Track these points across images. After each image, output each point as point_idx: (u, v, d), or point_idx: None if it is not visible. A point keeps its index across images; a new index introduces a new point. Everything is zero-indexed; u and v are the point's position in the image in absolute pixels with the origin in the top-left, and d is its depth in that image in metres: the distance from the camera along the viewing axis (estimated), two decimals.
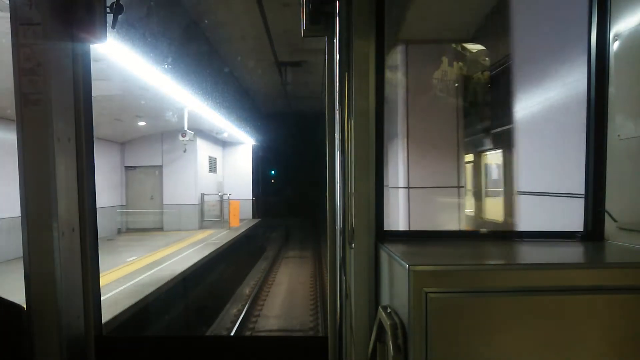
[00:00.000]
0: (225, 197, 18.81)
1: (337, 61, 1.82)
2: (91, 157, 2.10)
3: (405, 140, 5.12)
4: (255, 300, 11.35)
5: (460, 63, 5.37)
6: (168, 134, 16.87)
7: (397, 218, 5.28)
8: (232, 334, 8.78)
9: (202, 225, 18.21)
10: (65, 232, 1.87)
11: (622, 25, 1.68)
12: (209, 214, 18.73)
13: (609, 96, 1.75)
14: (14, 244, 15.91)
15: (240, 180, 22.72)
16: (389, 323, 1.41)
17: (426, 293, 1.28)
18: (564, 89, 2.60)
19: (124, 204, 17.36)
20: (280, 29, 11.70)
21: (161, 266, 10.10)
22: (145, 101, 12.33)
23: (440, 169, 5.18)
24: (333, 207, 1.97)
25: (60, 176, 1.83)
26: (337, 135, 1.90)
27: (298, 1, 1.89)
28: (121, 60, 8.70)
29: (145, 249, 12.45)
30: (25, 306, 1.82)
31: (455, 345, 1.28)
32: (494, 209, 8.54)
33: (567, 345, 1.29)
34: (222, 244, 13.59)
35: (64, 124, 1.88)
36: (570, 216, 2.17)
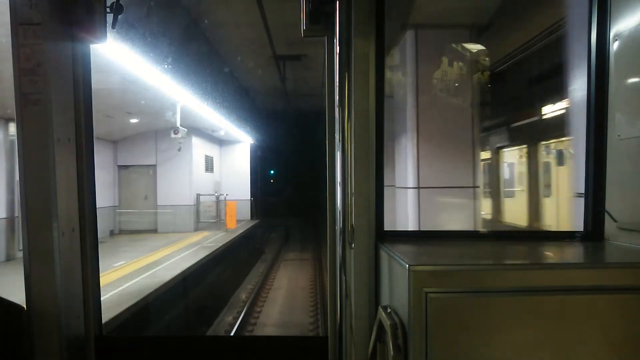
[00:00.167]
0: (221, 198, 17.92)
1: (337, 61, 1.82)
2: (91, 157, 2.10)
3: (415, 136, 4.66)
4: (252, 307, 10.67)
5: (476, 50, 4.83)
6: (162, 132, 15.94)
7: (406, 221, 4.86)
8: (231, 334, 8.74)
9: (198, 226, 17.53)
10: (65, 232, 1.87)
11: (622, 25, 1.68)
12: (205, 215, 17.98)
13: (609, 96, 1.75)
14: None
15: (238, 180, 21.97)
16: (389, 323, 1.41)
17: (426, 293, 1.28)
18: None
19: (117, 204, 16.64)
20: (279, 21, 11.06)
21: (150, 272, 9.36)
22: (137, 97, 11.74)
23: (453, 168, 4.70)
24: (333, 207, 1.97)
25: (60, 176, 1.83)
26: (337, 135, 1.90)
27: (298, 1, 1.89)
28: (107, 50, 7.50)
29: (135, 253, 11.79)
30: (25, 306, 1.82)
31: (455, 345, 1.28)
32: (521, 213, 7.74)
33: (567, 345, 1.29)
34: (217, 247, 12.94)
35: (64, 124, 1.88)
36: None
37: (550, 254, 1.70)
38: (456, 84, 4.69)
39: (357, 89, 1.78)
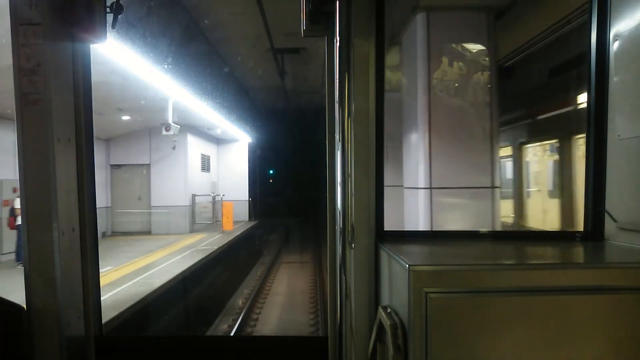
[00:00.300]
0: (218, 198, 17.18)
1: (337, 61, 1.82)
2: (91, 157, 2.10)
3: (427, 132, 4.18)
4: (249, 313, 10.07)
5: (495, 35, 4.30)
6: (156, 129, 14.76)
7: (417, 224, 4.41)
8: (231, 334, 8.71)
9: (193, 228, 16.78)
10: (65, 232, 1.87)
11: (622, 25, 1.68)
12: (201, 216, 17.22)
13: (609, 96, 1.75)
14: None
15: (236, 180, 21.25)
16: (389, 323, 1.41)
17: (426, 293, 1.28)
18: None
19: (109, 205, 15.95)
20: (277, 10, 10.27)
21: (138, 279, 8.74)
22: (128, 92, 10.93)
23: (469, 167, 4.19)
24: (333, 207, 1.97)
25: (60, 176, 1.83)
26: (337, 135, 1.90)
27: (298, 1, 1.89)
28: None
29: (125, 257, 11.20)
30: (25, 306, 1.82)
31: (455, 345, 1.28)
32: (552, 215, 6.93)
33: (567, 345, 1.29)
34: (212, 250, 12.27)
35: (64, 124, 1.88)
36: None
37: (550, 254, 1.70)
38: (473, 73, 4.21)
39: (357, 89, 1.78)
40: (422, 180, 4.23)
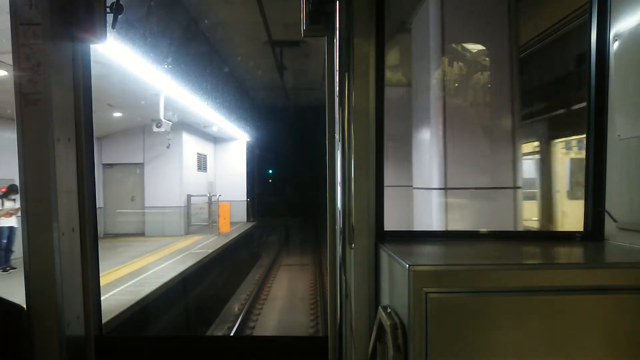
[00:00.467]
0: (214, 199, 16.49)
1: (337, 61, 1.82)
2: (91, 157, 2.11)
3: (441, 128, 3.80)
4: (245, 321, 9.54)
5: (519, 16, 3.86)
6: (150, 127, 13.73)
7: (430, 227, 4.05)
8: (231, 334, 8.67)
9: (189, 230, 16.17)
10: (65, 232, 1.87)
11: (622, 25, 1.68)
12: (197, 217, 16.52)
13: (609, 96, 1.75)
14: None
15: (234, 179, 20.59)
16: (389, 323, 1.41)
17: (426, 293, 1.28)
18: None
19: (102, 206, 15.24)
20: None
21: (125, 285, 8.13)
22: (119, 87, 10.19)
23: (488, 165, 3.79)
24: (333, 207, 1.98)
25: (60, 176, 1.83)
26: (337, 135, 1.90)
27: (298, 1, 1.89)
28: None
29: (115, 261, 10.60)
30: (25, 306, 1.82)
31: (455, 345, 1.28)
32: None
33: (567, 345, 1.29)
34: (207, 253, 11.65)
35: (64, 124, 1.88)
36: None
37: (550, 254, 1.70)
38: (493, 61, 3.79)
39: (357, 89, 1.78)
40: (435, 180, 3.86)
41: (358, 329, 1.79)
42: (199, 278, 10.66)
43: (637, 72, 1.62)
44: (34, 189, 1.79)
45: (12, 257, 9.87)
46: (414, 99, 4.52)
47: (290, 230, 23.90)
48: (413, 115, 4.57)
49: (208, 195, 17.08)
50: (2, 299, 1.83)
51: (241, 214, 20.29)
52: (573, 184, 6.70)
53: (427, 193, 4.01)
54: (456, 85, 3.81)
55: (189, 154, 16.93)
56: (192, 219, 16.51)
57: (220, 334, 9.05)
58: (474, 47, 3.81)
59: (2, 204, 9.66)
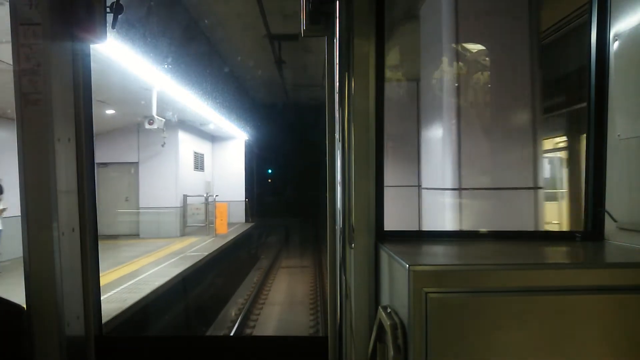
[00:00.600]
0: (211, 199, 15.93)
1: (337, 61, 1.82)
2: (91, 157, 2.10)
3: (455, 124, 3.52)
4: (242, 327, 9.15)
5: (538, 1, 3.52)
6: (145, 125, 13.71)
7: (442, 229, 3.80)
8: (231, 334, 8.64)
9: (185, 231, 15.60)
10: (65, 232, 1.87)
11: (622, 25, 1.68)
12: (193, 218, 15.91)
13: (609, 96, 1.75)
14: None
15: (233, 179, 20.09)
16: (389, 323, 1.41)
17: (426, 293, 1.28)
18: None
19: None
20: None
21: (113, 292, 7.59)
22: (111, 81, 9.59)
23: (506, 164, 3.49)
24: (333, 207, 1.98)
25: (60, 176, 1.83)
26: (337, 135, 1.90)
27: (298, 1, 1.89)
28: None
29: (104, 265, 9.90)
30: (25, 306, 1.82)
31: (455, 345, 1.28)
32: None
33: (567, 345, 1.29)
34: (202, 256, 11.09)
35: (64, 124, 1.89)
36: None
37: (550, 254, 1.70)
38: (512, 48, 3.46)
39: (357, 89, 1.79)
40: (448, 180, 3.59)
41: (358, 329, 1.79)
42: (192, 284, 10.11)
43: (637, 72, 1.62)
44: (34, 189, 1.79)
45: None
46: (423, 94, 4.23)
47: (290, 231, 23.53)
48: (421, 112, 4.31)
49: (205, 195, 16.58)
50: (2, 299, 1.83)
51: (240, 214, 19.90)
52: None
53: (439, 194, 3.76)
54: (471, 77, 3.48)
55: (185, 152, 16.47)
56: (189, 220, 15.96)
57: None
58: (491, 34, 3.46)
59: None
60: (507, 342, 1.29)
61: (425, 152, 4.20)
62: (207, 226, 15.67)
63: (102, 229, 14.79)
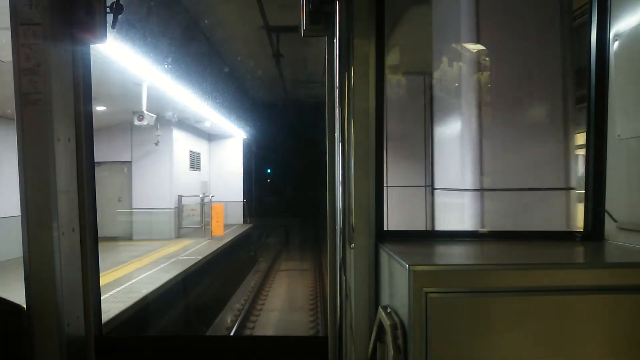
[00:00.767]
0: (207, 200, 15.40)
1: (337, 61, 1.82)
2: (91, 157, 2.11)
3: (475, 120, 3.17)
4: (239, 333, 8.69)
5: None
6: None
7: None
8: (231, 334, 8.63)
9: (180, 233, 15.04)
10: (65, 232, 1.87)
11: (622, 25, 1.68)
12: (188, 219, 15.33)
13: (609, 96, 1.75)
14: None
15: (230, 179, 19.45)
16: (389, 323, 1.41)
17: (426, 293, 1.28)
18: None
19: None
20: None
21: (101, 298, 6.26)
22: (103, 77, 9.00)
23: (533, 162, 3.13)
24: (333, 207, 1.98)
25: (60, 176, 1.83)
26: (337, 135, 1.90)
27: (298, 1, 1.89)
28: None
29: None
30: (25, 306, 1.82)
31: (455, 345, 1.28)
32: None
33: (567, 345, 1.29)
34: (197, 260, 10.52)
35: (64, 124, 1.89)
36: None
37: (550, 254, 1.70)
38: (539, 32, 3.07)
39: (357, 88, 1.79)
40: (468, 180, 3.26)
41: (358, 329, 1.79)
42: (183, 291, 9.55)
43: (637, 72, 1.62)
44: (34, 189, 1.79)
45: None
46: (436, 87, 3.87)
47: (289, 232, 23.04)
48: (434, 107, 3.93)
49: (201, 195, 16.05)
50: (2, 299, 1.83)
51: (237, 215, 19.34)
52: None
53: (457, 195, 3.44)
54: (493, 65, 3.10)
55: (181, 151, 15.91)
56: (184, 222, 15.44)
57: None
58: (517, 12, 3.06)
59: None
60: (507, 341, 1.29)
61: (439, 150, 3.87)
62: (202, 228, 15.16)
63: None
